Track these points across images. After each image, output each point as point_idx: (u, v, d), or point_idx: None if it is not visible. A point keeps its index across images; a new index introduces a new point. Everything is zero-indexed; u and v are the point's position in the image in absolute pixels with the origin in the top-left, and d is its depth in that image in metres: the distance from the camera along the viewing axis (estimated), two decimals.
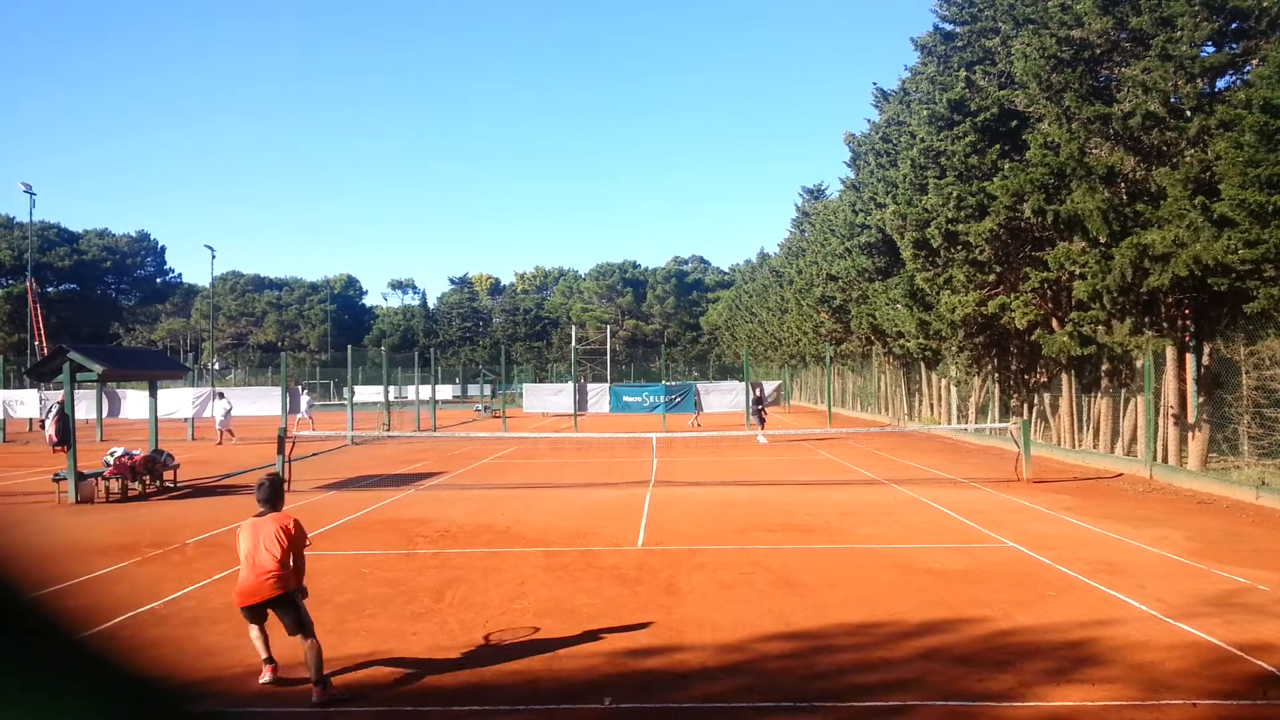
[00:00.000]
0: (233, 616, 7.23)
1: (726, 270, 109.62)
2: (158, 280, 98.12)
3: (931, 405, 30.10)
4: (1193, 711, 4.98)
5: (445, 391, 64.24)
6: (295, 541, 5.78)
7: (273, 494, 6.01)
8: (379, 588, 8.22)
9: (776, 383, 33.86)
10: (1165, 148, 15.33)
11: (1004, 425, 19.09)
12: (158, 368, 20.43)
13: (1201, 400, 15.39)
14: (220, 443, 26.82)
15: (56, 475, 14.70)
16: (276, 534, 5.69)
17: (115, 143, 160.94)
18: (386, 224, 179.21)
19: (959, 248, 20.13)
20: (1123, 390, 18.20)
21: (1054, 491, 14.24)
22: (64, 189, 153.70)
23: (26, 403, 30.06)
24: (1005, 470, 16.53)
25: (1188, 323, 15.83)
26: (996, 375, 23.21)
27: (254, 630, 5.68)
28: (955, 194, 19.59)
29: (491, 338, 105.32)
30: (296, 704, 5.40)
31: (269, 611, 5.60)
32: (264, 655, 5.68)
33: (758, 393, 27.71)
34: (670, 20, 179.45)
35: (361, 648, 6.34)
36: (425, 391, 38.40)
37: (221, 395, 28.33)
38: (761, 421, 26.91)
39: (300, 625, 5.52)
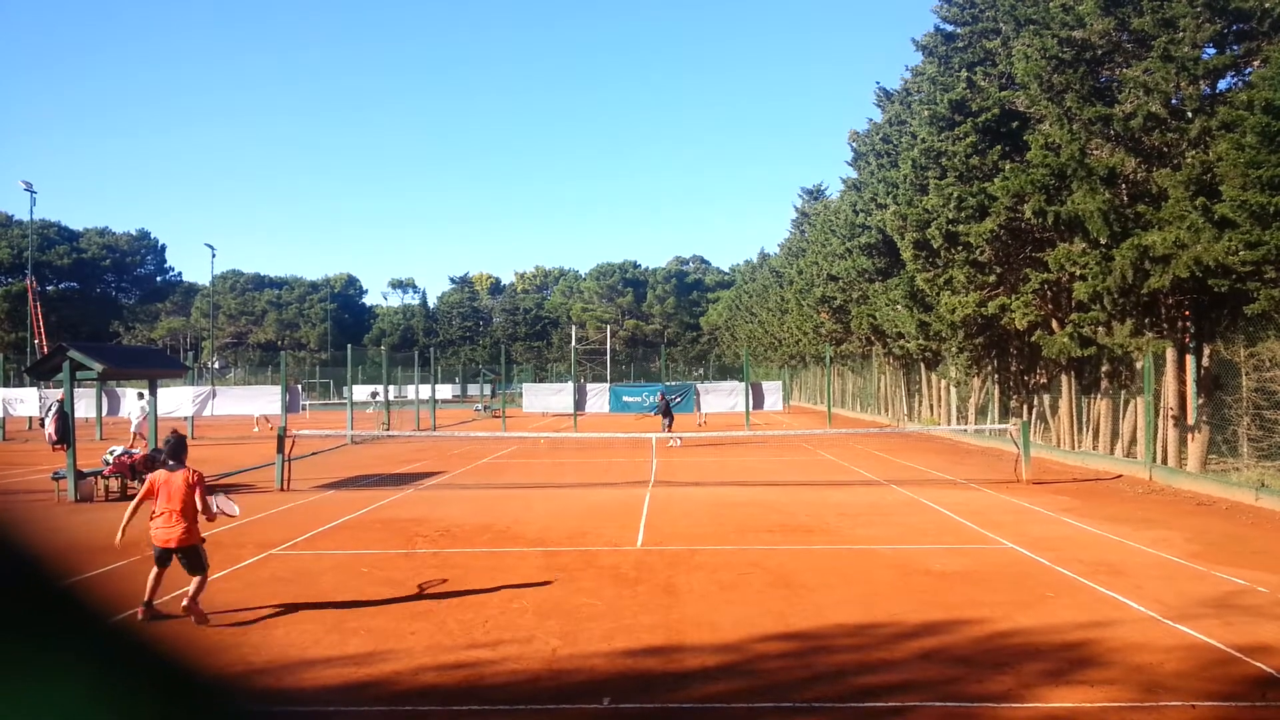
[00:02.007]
0: (230, 616, 7.25)
1: (727, 270, 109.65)
2: (158, 279, 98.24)
3: (931, 406, 30.10)
4: (1191, 713, 4.98)
5: (445, 391, 64.25)
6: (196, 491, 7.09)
7: (177, 450, 7.33)
8: (378, 587, 8.22)
9: (777, 383, 33.80)
10: (1166, 149, 15.32)
11: (1004, 426, 19.09)
12: (157, 366, 20.43)
13: (1201, 402, 15.38)
14: (132, 445, 22.34)
15: (56, 474, 14.70)
16: (183, 487, 7.04)
17: (115, 141, 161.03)
18: (387, 223, 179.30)
19: (959, 248, 20.13)
20: (1122, 392, 18.20)
21: (1053, 493, 14.24)
22: (64, 187, 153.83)
23: (26, 401, 30.08)
24: (1005, 471, 16.53)
25: (1188, 324, 15.82)
26: (996, 376, 23.21)
27: (155, 572, 6.98)
28: (956, 194, 19.59)
29: (491, 337, 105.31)
30: (300, 703, 5.39)
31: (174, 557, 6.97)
32: (148, 597, 6.96)
33: (663, 401, 26.32)
34: (671, 20, 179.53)
35: (361, 647, 6.34)
36: (425, 391, 38.40)
37: (141, 395, 25.98)
38: (668, 426, 25.43)
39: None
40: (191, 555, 6.96)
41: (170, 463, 7.17)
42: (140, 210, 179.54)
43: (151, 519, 6.99)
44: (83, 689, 0.80)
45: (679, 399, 30.61)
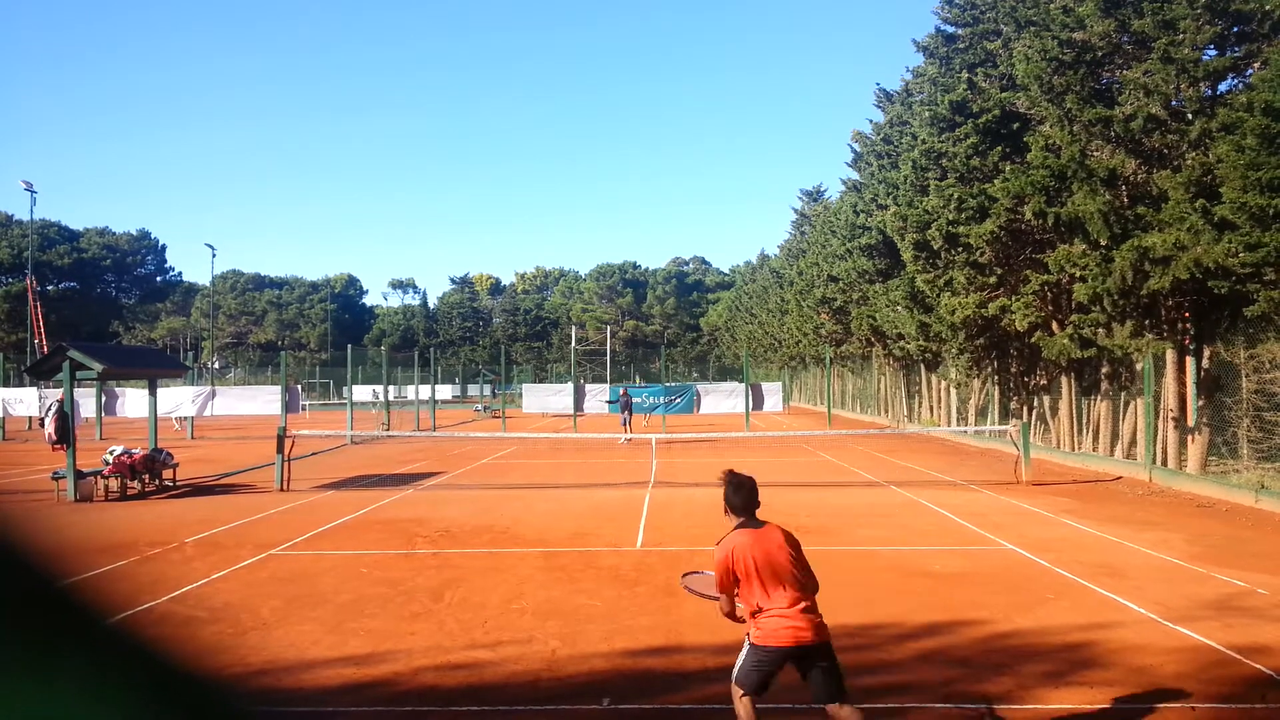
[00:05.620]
0: (230, 616, 7.24)
1: (727, 271, 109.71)
2: (158, 279, 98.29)
3: (931, 407, 30.10)
4: (1191, 715, 4.97)
5: (445, 391, 64.25)
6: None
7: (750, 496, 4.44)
8: (378, 588, 8.21)
9: (777, 384, 33.80)
10: (1166, 150, 15.32)
11: (1004, 428, 19.09)
12: (157, 366, 20.43)
13: (1201, 403, 15.38)
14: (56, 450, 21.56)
15: (56, 474, 14.71)
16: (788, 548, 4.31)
17: (116, 141, 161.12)
18: (387, 223, 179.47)
19: (960, 250, 20.13)
20: (1122, 393, 18.19)
21: (1053, 494, 14.23)
22: (64, 187, 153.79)
23: (26, 401, 30.06)
24: (1005, 473, 16.52)
25: (1188, 326, 15.82)
26: (996, 378, 23.20)
27: (749, 701, 4.31)
28: (956, 196, 19.59)
29: (491, 338, 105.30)
30: (299, 704, 5.39)
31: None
32: None
33: (625, 397, 28.09)
34: (671, 21, 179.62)
35: (361, 648, 6.33)
36: (425, 391, 38.40)
37: (43, 397, 25.05)
38: (627, 422, 27.17)
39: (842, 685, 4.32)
40: (831, 658, 4.34)
41: (741, 516, 4.42)
42: (140, 210, 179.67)
43: (757, 615, 4.32)
44: (80, 690, 0.80)
45: (679, 399, 30.62)
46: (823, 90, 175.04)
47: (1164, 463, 15.94)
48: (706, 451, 22.78)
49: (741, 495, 4.42)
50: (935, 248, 20.96)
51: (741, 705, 4.34)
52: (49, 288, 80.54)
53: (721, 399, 31.05)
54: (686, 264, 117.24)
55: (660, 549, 9.91)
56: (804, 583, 4.28)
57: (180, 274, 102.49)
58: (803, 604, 4.24)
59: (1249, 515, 12.01)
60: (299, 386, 36.16)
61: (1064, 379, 19.92)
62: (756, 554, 4.24)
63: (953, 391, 26.98)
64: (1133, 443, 17.42)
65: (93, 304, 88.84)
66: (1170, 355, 15.95)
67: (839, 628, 6.72)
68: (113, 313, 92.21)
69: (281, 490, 15.36)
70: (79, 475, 14.42)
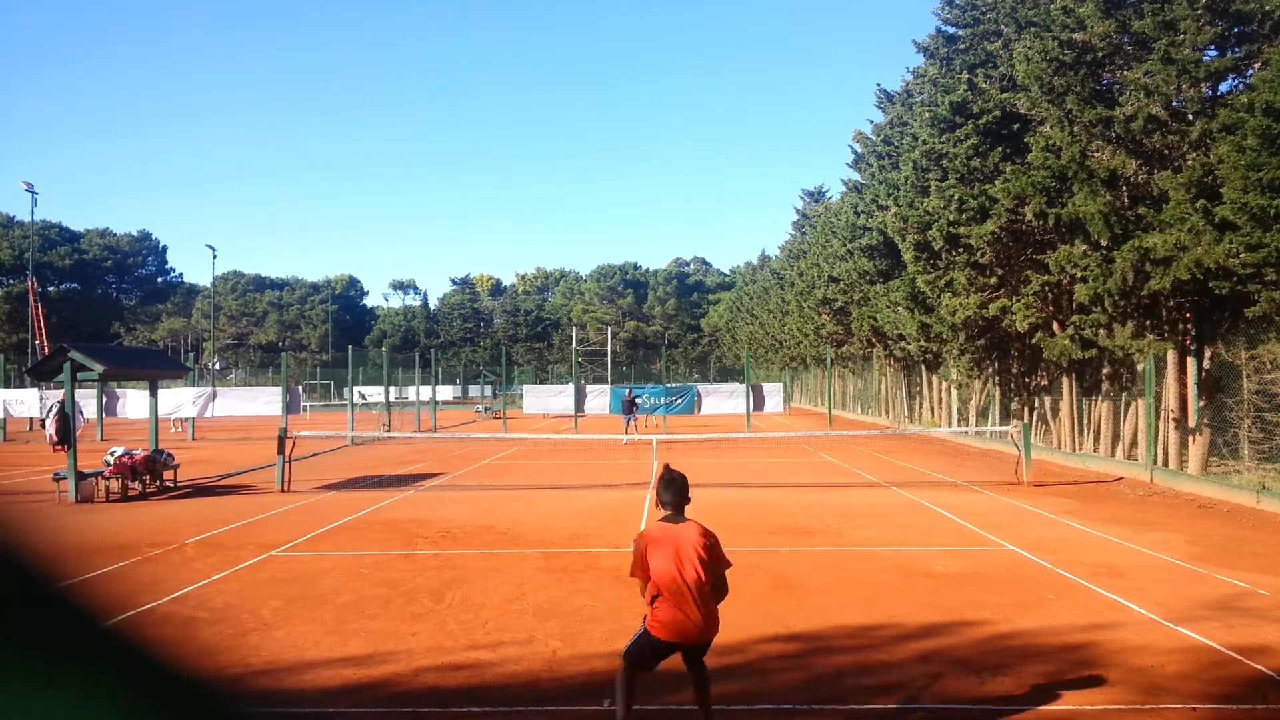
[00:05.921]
0: (231, 617, 7.24)
1: (727, 272, 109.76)
2: (159, 280, 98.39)
3: (932, 408, 30.09)
4: (1192, 715, 4.97)
5: (446, 392, 64.29)
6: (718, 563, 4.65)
7: (682, 491, 4.74)
8: (378, 588, 8.21)
9: (778, 385, 33.80)
10: (1167, 151, 15.32)
11: (1004, 428, 19.08)
12: (158, 367, 20.42)
13: (1202, 404, 15.37)
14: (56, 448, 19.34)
15: (56, 474, 14.71)
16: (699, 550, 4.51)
17: (117, 142, 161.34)
18: (388, 224, 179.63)
19: (960, 250, 20.13)
20: (1123, 394, 18.19)
21: (1054, 495, 14.23)
22: (65, 188, 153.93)
23: (26, 402, 30.09)
24: (1005, 473, 16.51)
25: (1189, 326, 15.82)
26: (997, 378, 23.20)
27: (628, 676, 4.65)
28: (957, 196, 19.59)
29: (492, 339, 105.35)
30: (300, 704, 5.39)
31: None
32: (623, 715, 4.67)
33: (629, 395, 29.40)
34: (672, 21, 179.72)
35: (361, 648, 6.33)
36: (425, 392, 38.41)
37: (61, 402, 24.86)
38: (630, 423, 28.25)
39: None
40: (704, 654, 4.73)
41: (668, 510, 4.75)
42: (141, 211, 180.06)
43: (654, 602, 4.54)
44: (79, 693, 0.80)
45: (679, 400, 30.63)
46: (823, 91, 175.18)
47: (1165, 463, 15.93)
48: (707, 453, 22.77)
49: (671, 491, 4.72)
50: (936, 248, 20.96)
51: (621, 673, 4.63)
52: (50, 289, 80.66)
53: (722, 400, 31.06)
54: (687, 264, 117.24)
55: None
56: (705, 582, 4.47)
57: (181, 275, 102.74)
58: (694, 602, 4.41)
59: (1250, 516, 12.00)
60: (300, 387, 36.18)
61: (1065, 380, 19.91)
62: (666, 547, 4.49)
63: (953, 392, 26.97)
64: (1134, 443, 17.41)
65: (94, 305, 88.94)
66: (1171, 356, 15.94)
67: (839, 628, 6.75)
68: (114, 314, 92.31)
69: (282, 491, 15.36)
70: (80, 476, 14.42)
